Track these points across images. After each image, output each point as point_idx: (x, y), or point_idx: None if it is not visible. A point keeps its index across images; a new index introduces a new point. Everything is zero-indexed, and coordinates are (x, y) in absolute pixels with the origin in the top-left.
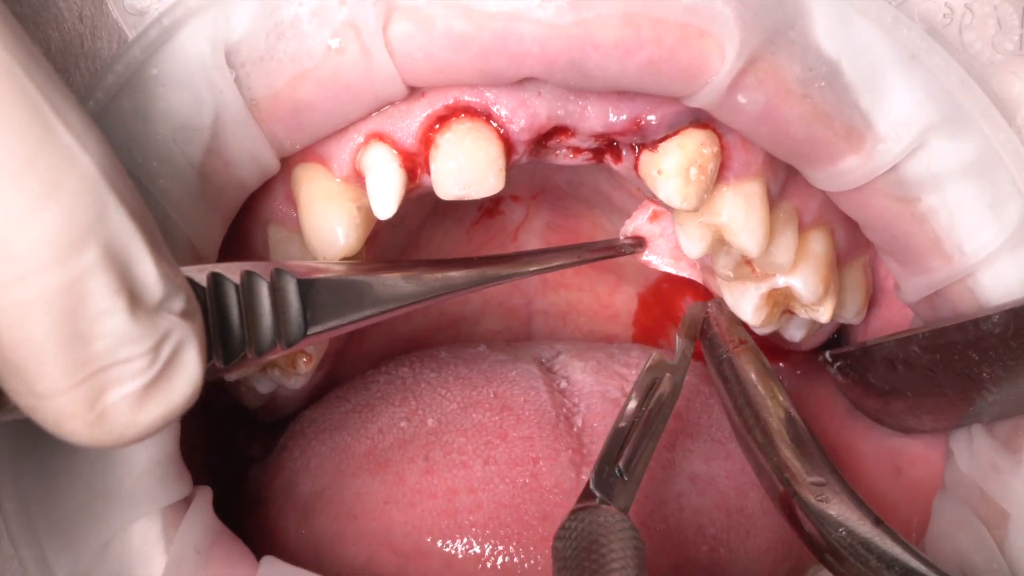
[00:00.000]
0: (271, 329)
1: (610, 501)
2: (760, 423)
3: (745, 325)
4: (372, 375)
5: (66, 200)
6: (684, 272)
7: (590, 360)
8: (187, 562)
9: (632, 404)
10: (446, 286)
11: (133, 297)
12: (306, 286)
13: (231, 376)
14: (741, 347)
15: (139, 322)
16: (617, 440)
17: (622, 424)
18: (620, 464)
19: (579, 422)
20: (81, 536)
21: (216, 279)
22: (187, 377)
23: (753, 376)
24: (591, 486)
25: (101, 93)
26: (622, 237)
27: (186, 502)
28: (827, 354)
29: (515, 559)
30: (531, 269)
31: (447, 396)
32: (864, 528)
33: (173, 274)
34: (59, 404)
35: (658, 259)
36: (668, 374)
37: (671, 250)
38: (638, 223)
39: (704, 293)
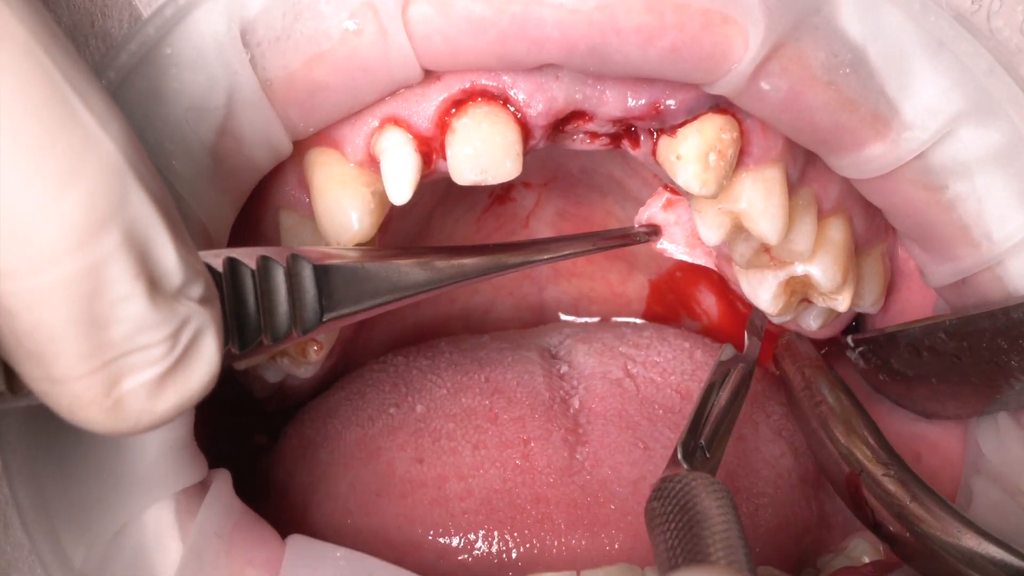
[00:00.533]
0: (287, 315)
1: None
2: (831, 421)
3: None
4: (369, 363)
5: (87, 184)
6: (700, 260)
7: (595, 342)
8: (208, 547)
9: (711, 389)
10: (460, 273)
11: (153, 283)
12: (321, 272)
13: (242, 364)
14: (817, 363)
15: (158, 308)
16: (699, 421)
17: (701, 406)
18: (703, 441)
19: (576, 403)
20: (95, 523)
21: (232, 264)
22: (205, 365)
23: (826, 384)
24: (679, 456)
25: (113, 72)
26: (636, 225)
27: (203, 486)
28: (848, 339)
29: (509, 544)
30: (544, 257)
31: (437, 382)
32: (935, 505)
33: (193, 259)
34: (75, 390)
35: (673, 247)
36: (740, 363)
37: (686, 238)
38: (652, 211)
39: (719, 280)
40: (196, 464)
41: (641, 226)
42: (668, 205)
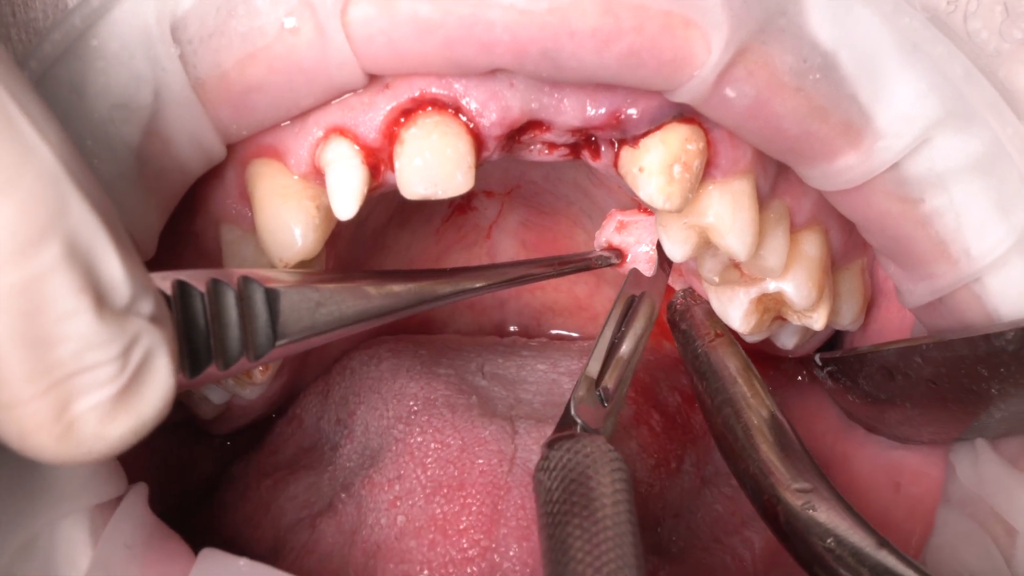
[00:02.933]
0: (239, 340)
1: (591, 429)
2: (741, 423)
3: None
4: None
5: (24, 193)
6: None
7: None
8: (116, 558)
9: (611, 324)
10: (418, 299)
11: (99, 298)
12: (274, 296)
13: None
14: (718, 340)
15: (107, 324)
16: (597, 363)
17: (602, 343)
18: (600, 388)
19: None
20: (2, 532)
21: (182, 287)
22: (159, 386)
23: (732, 372)
24: (571, 411)
25: (35, 63)
26: (597, 249)
27: (119, 502)
28: (817, 357)
29: None
30: (505, 280)
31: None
32: (855, 537)
33: (140, 275)
34: (24, 415)
35: (641, 267)
36: (645, 292)
37: (650, 257)
38: (607, 235)
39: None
40: (114, 479)
41: (603, 250)
42: (621, 228)
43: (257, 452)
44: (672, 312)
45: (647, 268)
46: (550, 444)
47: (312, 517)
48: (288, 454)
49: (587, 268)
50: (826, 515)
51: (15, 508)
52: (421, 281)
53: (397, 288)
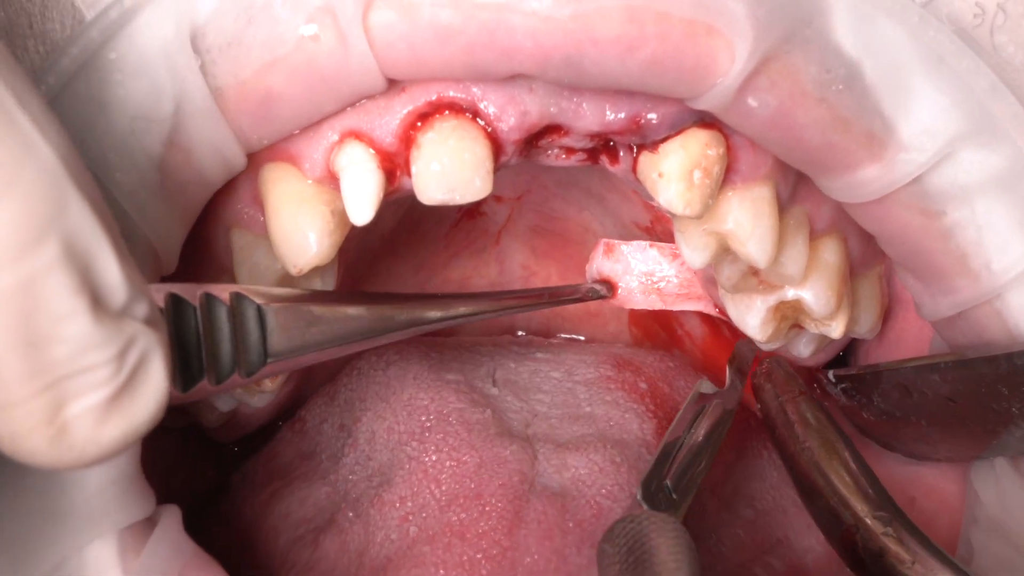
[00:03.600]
0: (230, 357)
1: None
2: (821, 464)
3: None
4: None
5: (23, 192)
6: (657, 306)
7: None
8: None
9: (681, 425)
10: (410, 322)
11: (95, 300)
12: (266, 313)
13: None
14: (801, 396)
15: (103, 327)
16: (665, 459)
17: (670, 443)
18: (668, 481)
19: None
20: (29, 559)
21: (175, 300)
22: (153, 390)
23: (813, 421)
24: (638, 498)
25: (54, 78)
26: (589, 281)
27: (150, 523)
28: (830, 374)
29: None
30: (495, 309)
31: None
32: (935, 565)
33: (136, 277)
34: (17, 416)
35: (631, 299)
36: (717, 400)
37: (641, 285)
38: (597, 264)
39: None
40: (142, 499)
41: (595, 281)
42: (609, 251)
43: (256, 458)
44: (758, 375)
45: (639, 301)
46: (616, 522)
47: (314, 534)
48: (286, 460)
49: (579, 300)
50: (905, 544)
51: (41, 532)
52: (412, 305)
53: (389, 311)
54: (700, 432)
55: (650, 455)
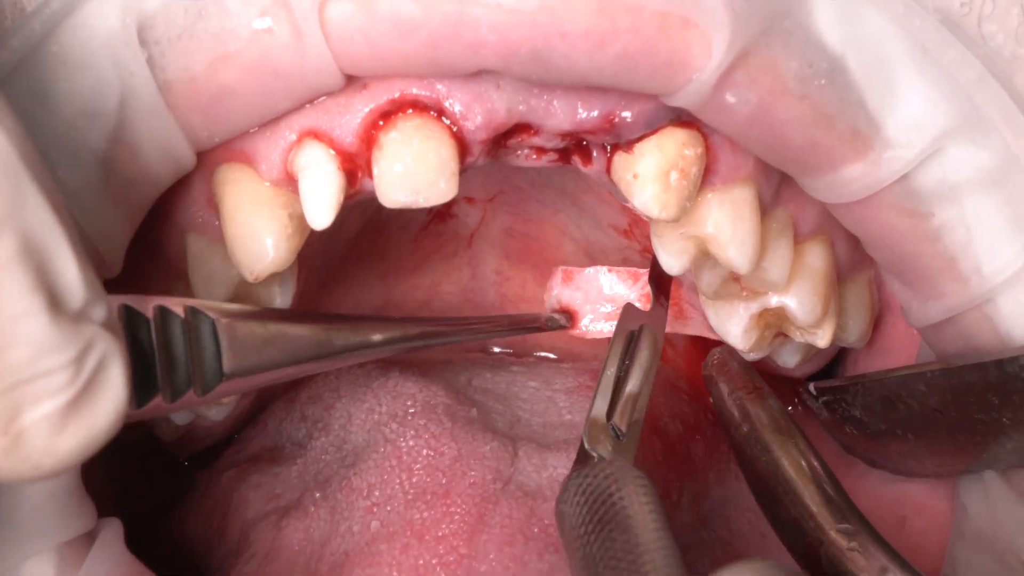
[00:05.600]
0: (186, 374)
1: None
2: (780, 470)
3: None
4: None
5: None
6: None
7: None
8: None
9: (613, 359)
10: (364, 344)
11: (53, 300)
12: (223, 329)
13: None
14: (756, 392)
15: (60, 328)
16: (604, 398)
17: (607, 380)
18: (613, 423)
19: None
20: None
21: (128, 312)
22: (112, 398)
23: (769, 421)
24: (586, 446)
25: None
26: (549, 311)
27: (89, 537)
28: (811, 386)
29: None
30: (461, 335)
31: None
32: None
33: (94, 280)
34: None
35: (593, 328)
36: (645, 326)
37: (601, 313)
38: (557, 292)
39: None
40: (82, 513)
41: (555, 311)
42: (567, 279)
43: (219, 458)
44: (708, 367)
45: (602, 328)
46: (571, 476)
47: (278, 514)
48: (250, 453)
49: (538, 330)
50: (872, 557)
51: None
52: (371, 328)
53: (347, 333)
54: (634, 366)
55: None
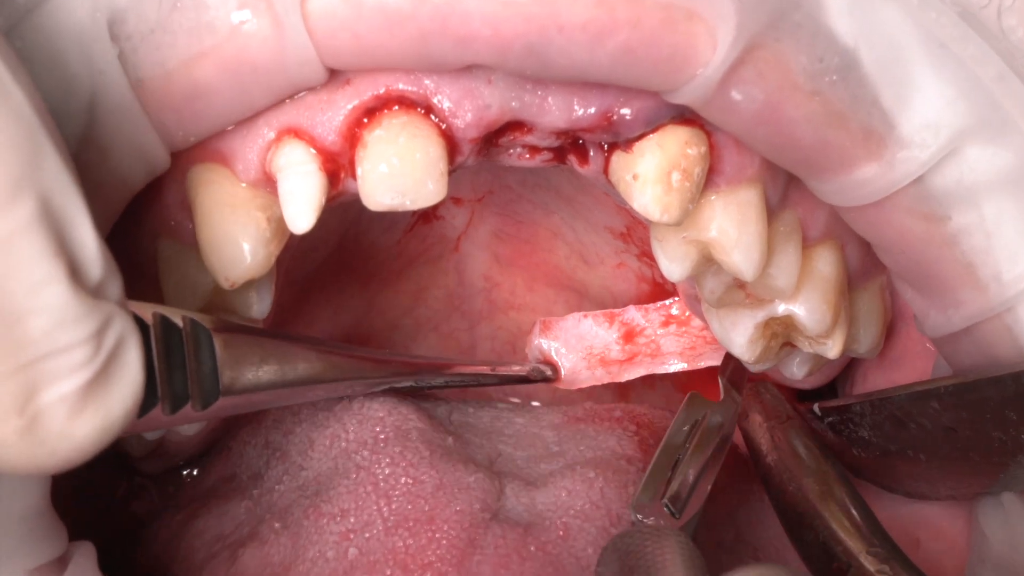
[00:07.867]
0: (184, 386)
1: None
2: (810, 496)
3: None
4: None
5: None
6: (604, 380)
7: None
8: None
9: (676, 438)
10: (357, 373)
11: (73, 268)
12: (222, 342)
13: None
14: (788, 422)
15: (80, 299)
16: (660, 474)
17: (663, 459)
18: (667, 499)
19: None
20: None
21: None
22: (130, 382)
23: (801, 449)
24: (633, 516)
25: None
26: (531, 360)
27: (61, 562)
28: (815, 407)
29: None
30: (447, 383)
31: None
32: None
33: (108, 254)
34: None
35: (578, 378)
36: (712, 412)
37: (585, 360)
38: (537, 342)
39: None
40: (53, 536)
41: (538, 363)
42: (546, 329)
43: (180, 489)
44: (742, 398)
45: (586, 377)
46: (611, 540)
47: (232, 548)
48: (208, 485)
49: (525, 381)
50: None
51: None
52: (365, 364)
53: (342, 362)
54: (699, 448)
55: (630, 466)
